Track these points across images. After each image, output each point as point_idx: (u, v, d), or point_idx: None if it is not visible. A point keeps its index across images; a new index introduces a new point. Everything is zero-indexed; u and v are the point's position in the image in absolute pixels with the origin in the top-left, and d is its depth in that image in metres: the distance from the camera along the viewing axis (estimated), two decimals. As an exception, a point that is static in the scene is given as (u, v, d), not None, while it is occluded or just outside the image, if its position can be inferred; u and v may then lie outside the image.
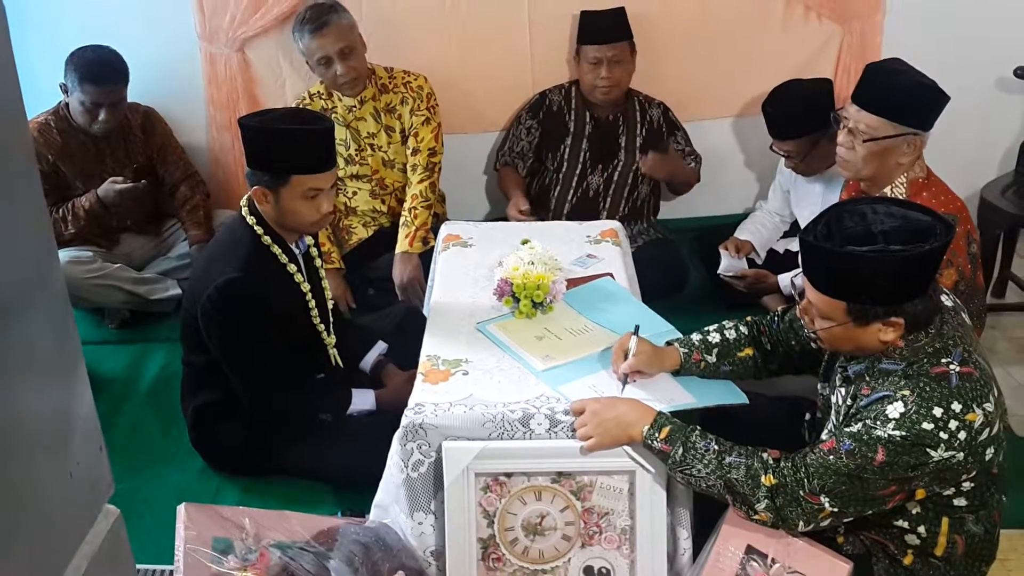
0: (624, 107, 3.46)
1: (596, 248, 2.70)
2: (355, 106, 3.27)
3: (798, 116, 2.97)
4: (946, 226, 1.68)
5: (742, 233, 3.31)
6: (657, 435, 1.84)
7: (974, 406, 1.66)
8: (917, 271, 1.67)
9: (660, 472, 1.91)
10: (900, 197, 2.26)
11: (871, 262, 1.65)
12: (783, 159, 3.21)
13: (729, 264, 3.19)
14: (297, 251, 2.38)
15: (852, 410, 1.79)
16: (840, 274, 1.70)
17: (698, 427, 1.86)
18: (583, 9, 3.39)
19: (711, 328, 2.15)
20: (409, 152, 3.31)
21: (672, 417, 1.89)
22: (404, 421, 1.95)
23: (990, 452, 1.72)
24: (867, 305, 1.69)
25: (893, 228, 1.66)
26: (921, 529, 1.82)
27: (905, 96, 2.22)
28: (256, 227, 2.28)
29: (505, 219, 3.28)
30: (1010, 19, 3.57)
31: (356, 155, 3.33)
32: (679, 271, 3.35)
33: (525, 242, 2.53)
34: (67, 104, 3.22)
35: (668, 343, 2.15)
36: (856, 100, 2.25)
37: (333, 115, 3.28)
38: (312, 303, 2.40)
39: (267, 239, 2.29)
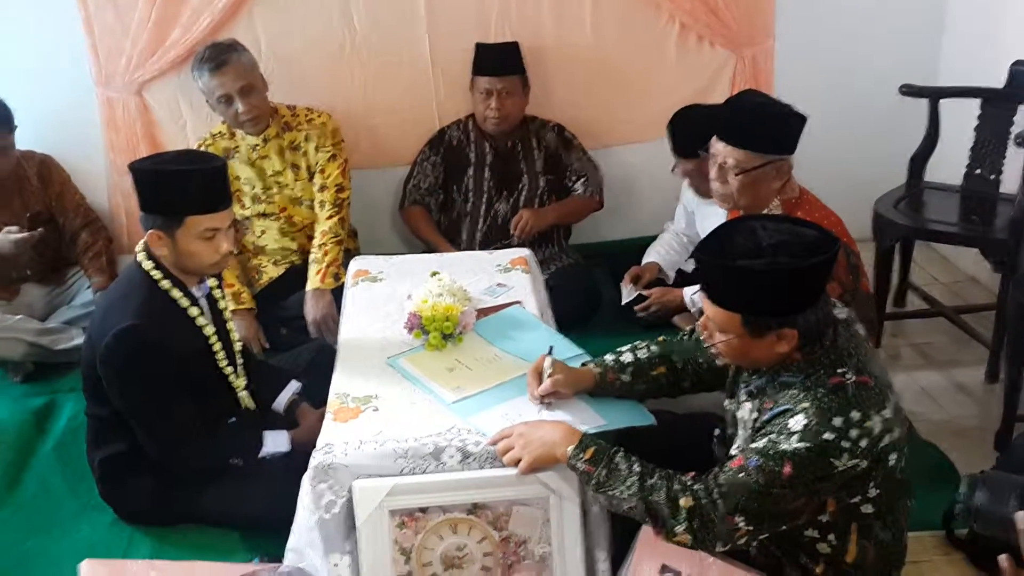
0: (521, 134, 3.52)
1: (506, 277, 2.71)
2: (259, 145, 3.25)
3: (701, 135, 3.03)
4: (833, 239, 1.74)
5: (649, 256, 3.37)
6: (582, 455, 1.86)
7: (872, 413, 1.70)
8: (806, 283, 1.72)
9: (574, 497, 1.92)
10: None
11: (762, 275, 1.70)
12: (686, 181, 3.28)
13: (628, 294, 3.24)
14: (199, 293, 2.33)
15: (757, 424, 1.82)
16: (733, 287, 1.74)
17: (622, 448, 1.88)
18: (478, 42, 3.45)
19: (624, 348, 2.19)
20: (316, 189, 3.29)
21: (596, 438, 1.90)
22: (313, 462, 1.93)
23: (893, 458, 1.76)
24: (761, 317, 1.73)
25: (782, 242, 1.71)
26: (831, 537, 1.85)
27: (765, 126, 2.29)
28: (153, 272, 2.24)
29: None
30: (893, 40, 3.75)
31: (262, 193, 3.30)
32: (592, 296, 3.39)
33: (434, 274, 2.53)
34: None
35: (583, 364, 2.18)
36: (721, 136, 2.32)
37: (236, 154, 3.26)
38: (217, 346, 2.35)
39: (166, 284, 2.24)
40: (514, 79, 3.42)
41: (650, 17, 3.61)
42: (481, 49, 3.45)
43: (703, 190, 3.12)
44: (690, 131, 3.02)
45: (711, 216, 3.15)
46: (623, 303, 3.25)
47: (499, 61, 3.41)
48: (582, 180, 3.55)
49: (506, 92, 3.39)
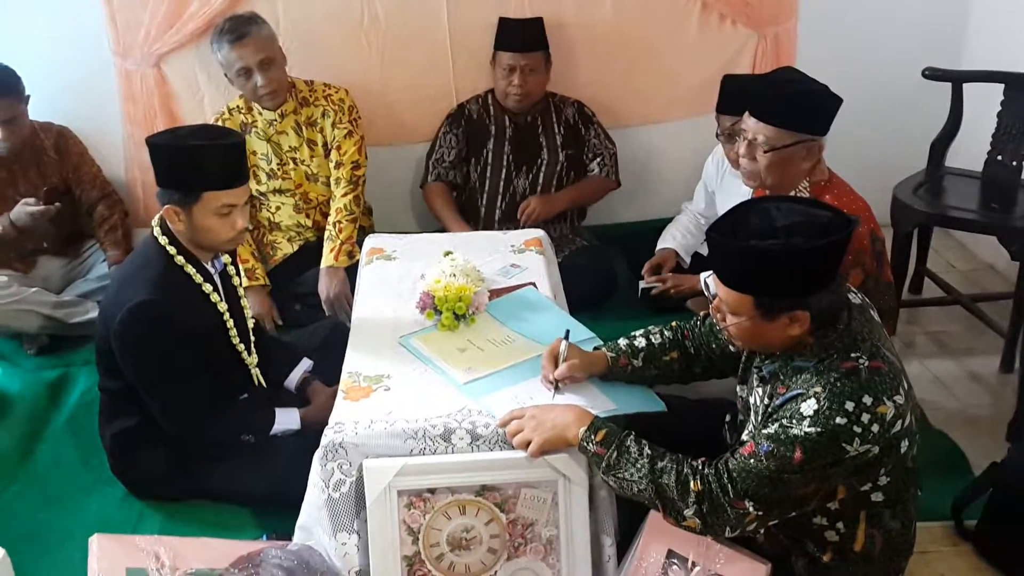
0: (541, 108, 3.49)
1: (520, 258, 2.70)
2: (276, 120, 3.24)
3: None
4: (846, 221, 1.72)
5: (665, 239, 3.34)
6: (593, 437, 1.86)
7: (884, 399, 1.69)
8: (819, 264, 1.71)
9: (583, 481, 1.92)
10: None
11: (773, 255, 1.69)
12: (709, 160, 3.25)
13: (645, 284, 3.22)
14: (213, 270, 2.33)
15: (769, 410, 1.81)
16: (745, 268, 1.73)
17: (632, 432, 1.88)
18: (502, 16, 3.42)
19: (638, 333, 2.19)
20: (332, 165, 3.29)
21: (608, 421, 1.91)
22: (324, 440, 1.93)
23: (904, 445, 1.75)
24: (773, 298, 1.72)
25: (795, 223, 1.70)
26: (840, 525, 1.85)
27: (799, 104, 2.25)
28: (168, 247, 2.24)
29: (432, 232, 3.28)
30: (918, 22, 3.70)
31: (278, 169, 3.29)
32: (607, 279, 3.37)
33: (447, 254, 2.52)
34: None
35: (596, 348, 2.18)
36: (753, 112, 2.29)
37: (253, 129, 3.25)
38: (230, 323, 2.35)
39: (180, 259, 2.25)
40: (538, 56, 3.38)
41: (672, -6, 3.56)
42: (505, 24, 3.41)
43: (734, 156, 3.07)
44: (738, 89, 2.96)
45: (732, 197, 3.12)
46: (643, 287, 3.23)
47: (523, 37, 3.38)
48: (598, 160, 3.53)
49: (529, 69, 3.36)
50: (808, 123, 2.25)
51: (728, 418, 2.16)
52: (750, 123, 2.29)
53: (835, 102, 2.26)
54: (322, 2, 3.48)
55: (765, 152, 2.26)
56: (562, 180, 3.49)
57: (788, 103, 2.25)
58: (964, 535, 2.36)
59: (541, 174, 3.47)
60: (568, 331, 2.14)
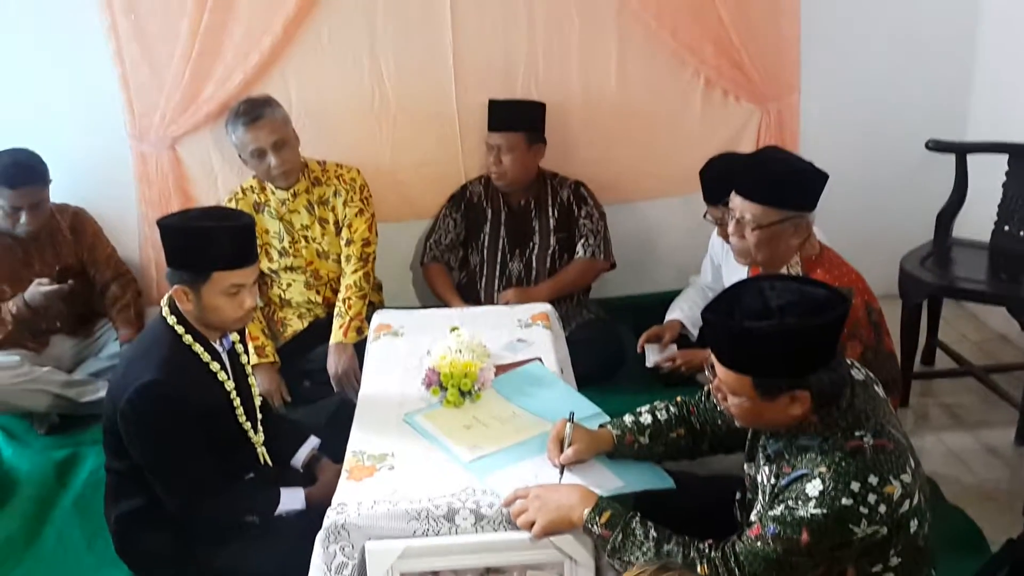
0: (536, 191, 3.53)
1: (526, 332, 2.70)
2: (288, 199, 3.29)
3: (730, 181, 3.00)
4: (841, 298, 1.72)
5: (673, 312, 3.34)
6: (598, 519, 1.84)
7: (891, 478, 1.67)
8: (815, 343, 1.70)
9: (589, 562, 1.90)
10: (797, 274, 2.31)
11: (769, 336, 1.68)
12: (714, 234, 3.26)
13: (652, 356, 3.20)
14: (221, 349, 2.35)
15: (775, 490, 1.79)
16: (741, 349, 1.73)
17: (638, 513, 1.86)
18: (491, 98, 3.48)
19: (643, 409, 2.17)
20: (343, 243, 3.33)
21: (613, 502, 1.89)
22: (326, 522, 1.92)
23: (914, 524, 1.72)
24: (771, 379, 1.71)
25: (789, 303, 1.70)
26: (852, 608, 1.81)
27: (784, 182, 2.28)
28: (177, 326, 2.26)
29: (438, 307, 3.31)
30: (920, 95, 3.74)
31: (290, 247, 3.33)
32: (615, 352, 3.36)
33: (454, 330, 2.53)
34: None
35: (602, 426, 2.16)
36: (739, 191, 2.32)
37: (266, 208, 3.30)
38: (237, 401, 2.36)
39: (188, 338, 2.26)
40: (516, 136, 3.41)
41: (675, 72, 3.63)
42: (491, 105, 3.48)
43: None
44: (719, 177, 3.00)
45: (739, 271, 3.12)
46: (649, 365, 3.21)
47: (502, 117, 3.44)
48: (583, 241, 3.51)
49: (507, 148, 3.40)
50: (794, 200, 2.27)
51: (738, 495, 2.13)
52: (736, 201, 2.32)
53: (820, 179, 2.29)
54: (334, 85, 3.57)
55: (753, 230, 2.29)
56: (555, 264, 3.50)
57: (773, 181, 2.28)
58: (982, 615, 2.30)
59: (534, 258, 3.50)
60: (572, 413, 2.13)
